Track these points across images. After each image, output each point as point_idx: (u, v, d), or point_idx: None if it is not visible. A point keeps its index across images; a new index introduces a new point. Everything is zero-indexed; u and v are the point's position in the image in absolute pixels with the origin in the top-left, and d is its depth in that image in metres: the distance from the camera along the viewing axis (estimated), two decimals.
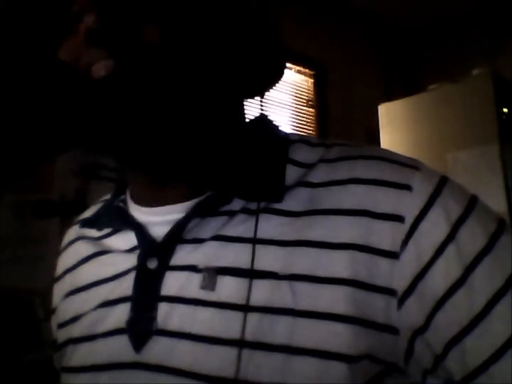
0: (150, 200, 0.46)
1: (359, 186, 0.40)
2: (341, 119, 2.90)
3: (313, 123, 2.85)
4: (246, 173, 0.44)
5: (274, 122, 0.49)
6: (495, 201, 2.17)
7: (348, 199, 0.40)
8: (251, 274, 0.40)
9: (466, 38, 3.13)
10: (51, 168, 1.70)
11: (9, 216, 1.61)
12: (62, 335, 0.51)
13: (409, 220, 0.38)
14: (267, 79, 0.46)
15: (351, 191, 0.40)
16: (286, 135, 0.48)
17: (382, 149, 0.45)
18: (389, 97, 2.98)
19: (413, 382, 0.39)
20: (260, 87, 0.47)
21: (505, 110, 2.31)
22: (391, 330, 0.38)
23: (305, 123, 2.82)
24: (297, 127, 2.75)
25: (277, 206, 0.42)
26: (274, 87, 0.48)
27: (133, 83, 0.37)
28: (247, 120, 0.49)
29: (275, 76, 0.47)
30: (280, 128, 0.49)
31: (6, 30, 0.39)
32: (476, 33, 3.10)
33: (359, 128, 2.94)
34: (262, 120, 0.49)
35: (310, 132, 2.82)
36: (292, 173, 0.43)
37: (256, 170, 0.44)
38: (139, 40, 0.37)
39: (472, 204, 0.39)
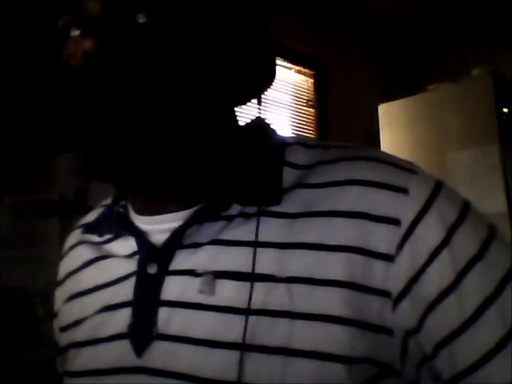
0: (150, 210, 0.46)
1: (356, 188, 0.40)
2: (341, 119, 2.90)
3: (313, 123, 2.85)
4: (244, 179, 0.44)
5: (270, 125, 0.49)
6: (495, 201, 2.17)
7: (345, 201, 0.40)
8: (252, 277, 0.40)
9: (466, 38, 3.13)
10: (51, 168, 1.70)
11: (9, 216, 1.61)
12: (64, 338, 0.51)
13: (405, 224, 0.38)
14: (259, 83, 0.46)
15: (347, 193, 0.40)
16: (283, 138, 0.48)
17: (379, 151, 0.45)
18: (389, 97, 2.98)
19: (408, 382, 0.40)
20: (253, 91, 0.46)
21: (505, 110, 2.31)
22: (386, 331, 0.38)
23: (305, 123, 2.81)
24: (297, 127, 2.75)
25: (275, 208, 0.42)
26: (270, 88, 0.48)
27: (123, 85, 0.38)
28: (243, 123, 0.49)
29: (267, 79, 0.47)
30: (276, 131, 0.49)
31: (7, 33, 0.40)
32: (476, 33, 3.09)
33: (359, 128, 2.94)
34: (258, 123, 0.49)
35: (310, 132, 2.82)
36: (289, 176, 0.43)
37: (253, 175, 0.44)
38: (127, 51, 0.37)
39: (466, 209, 0.40)
